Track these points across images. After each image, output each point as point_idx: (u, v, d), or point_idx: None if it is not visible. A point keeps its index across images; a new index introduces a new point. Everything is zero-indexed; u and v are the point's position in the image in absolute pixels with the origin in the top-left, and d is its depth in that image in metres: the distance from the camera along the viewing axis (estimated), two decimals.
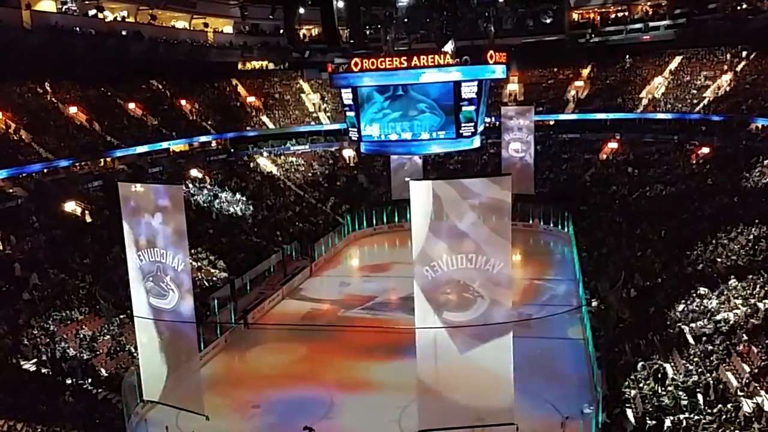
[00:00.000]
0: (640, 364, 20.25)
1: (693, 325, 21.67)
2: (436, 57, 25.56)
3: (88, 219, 32.73)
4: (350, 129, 29.81)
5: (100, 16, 41.40)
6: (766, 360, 17.63)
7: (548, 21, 47.98)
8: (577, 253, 32.30)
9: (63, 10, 39.44)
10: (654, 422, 17.01)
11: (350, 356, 24.01)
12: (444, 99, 26.47)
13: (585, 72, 52.62)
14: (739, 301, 21.71)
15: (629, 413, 18.14)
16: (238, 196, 41.60)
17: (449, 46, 26.21)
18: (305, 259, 35.51)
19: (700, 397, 17.67)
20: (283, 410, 20.14)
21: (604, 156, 45.92)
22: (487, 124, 37.24)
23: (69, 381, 20.95)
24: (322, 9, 39.47)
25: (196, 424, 18.62)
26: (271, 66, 56.40)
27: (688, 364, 19.51)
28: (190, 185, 40.20)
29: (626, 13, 50.44)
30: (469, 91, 26.03)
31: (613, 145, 45.94)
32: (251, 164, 47.73)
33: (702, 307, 22.46)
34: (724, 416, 16.43)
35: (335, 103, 51.47)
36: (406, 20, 35.24)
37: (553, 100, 51.07)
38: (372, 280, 33.38)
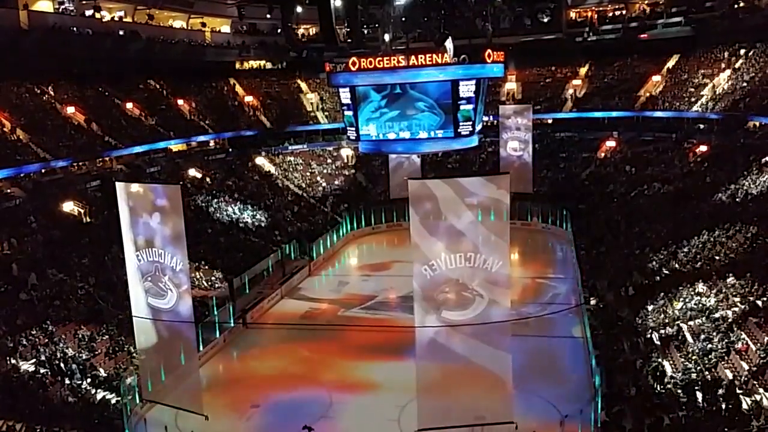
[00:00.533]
0: (638, 362, 20.25)
1: (691, 322, 21.69)
2: (434, 56, 25.58)
3: (87, 219, 32.64)
4: (348, 128, 29.84)
5: (98, 16, 41.42)
6: (765, 357, 17.65)
7: (546, 20, 48.10)
8: (575, 252, 32.33)
9: (60, 10, 39.47)
10: (653, 420, 17.02)
11: (349, 355, 24.01)
12: (442, 98, 26.53)
13: (583, 70, 52.64)
14: (737, 299, 21.74)
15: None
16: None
17: (447, 45, 26.22)
18: (304, 258, 35.52)
19: (698, 394, 17.68)
20: (282, 410, 20.14)
21: (602, 154, 45.91)
22: (485, 123, 37.35)
23: (68, 381, 20.89)
24: (320, 8, 39.55)
25: (196, 423, 18.63)
26: (268, 65, 56.39)
27: (686, 362, 19.54)
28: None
29: (624, 12, 50.53)
30: (467, 90, 26.10)
31: (611, 143, 45.93)
32: (249, 164, 47.67)
33: (700, 304, 22.49)
34: (722, 414, 16.44)
35: (333, 103, 51.45)
36: (403, 19, 35.34)
37: (550, 99, 51.05)
38: (371, 280, 33.39)
